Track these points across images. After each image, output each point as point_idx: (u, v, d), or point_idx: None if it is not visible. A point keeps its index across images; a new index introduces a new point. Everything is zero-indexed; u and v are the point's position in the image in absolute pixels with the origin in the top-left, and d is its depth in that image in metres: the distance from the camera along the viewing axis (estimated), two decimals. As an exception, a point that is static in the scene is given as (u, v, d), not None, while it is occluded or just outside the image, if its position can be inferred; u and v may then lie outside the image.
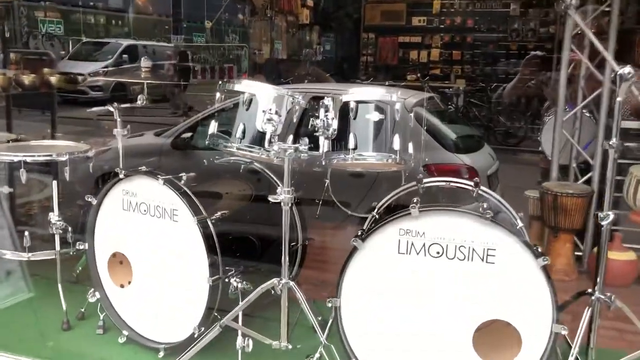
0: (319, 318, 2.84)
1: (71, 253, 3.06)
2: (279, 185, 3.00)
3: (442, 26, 10.52)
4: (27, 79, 3.91)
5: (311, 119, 2.59)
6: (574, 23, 3.90)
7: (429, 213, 2.19)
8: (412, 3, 10.53)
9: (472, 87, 9.68)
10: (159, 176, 2.57)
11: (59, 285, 3.01)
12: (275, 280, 2.46)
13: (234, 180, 3.08)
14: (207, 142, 2.69)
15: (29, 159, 2.90)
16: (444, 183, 2.77)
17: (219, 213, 2.61)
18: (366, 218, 4.79)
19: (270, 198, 2.41)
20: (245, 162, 3.04)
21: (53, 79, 4.05)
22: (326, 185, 4.28)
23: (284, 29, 8.77)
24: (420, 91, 6.95)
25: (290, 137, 2.52)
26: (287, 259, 2.46)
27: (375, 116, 2.42)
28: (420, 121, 2.45)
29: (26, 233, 2.99)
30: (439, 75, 10.49)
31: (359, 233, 2.36)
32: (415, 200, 2.26)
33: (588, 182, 4.09)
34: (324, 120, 2.43)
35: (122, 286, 2.87)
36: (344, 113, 2.45)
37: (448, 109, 7.43)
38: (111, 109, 3.11)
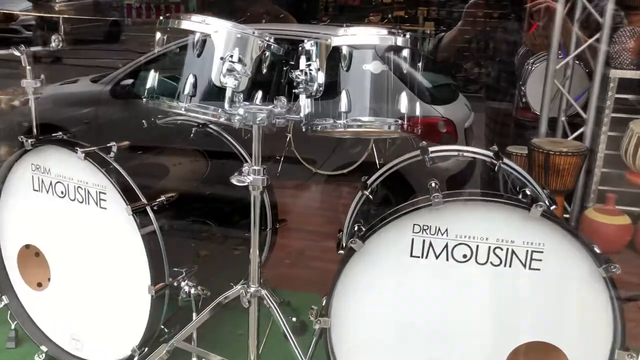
0: (294, 319, 2.28)
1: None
2: (243, 159, 2.37)
3: (408, -37, 9.71)
4: None
5: (288, 69, 1.96)
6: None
7: (455, 204, 1.59)
8: (376, -64, 9.66)
9: (440, 30, 9.00)
10: (77, 148, 1.86)
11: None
12: (241, 289, 1.85)
13: (183, 148, 2.39)
14: (144, 99, 2.01)
15: None
16: (455, 153, 2.17)
17: (163, 197, 1.94)
18: (333, 176, 4.21)
19: (234, 180, 1.76)
20: (197, 123, 2.36)
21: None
22: (288, 139, 3.67)
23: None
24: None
25: (259, 95, 1.86)
26: (257, 262, 1.84)
27: (376, 67, 1.78)
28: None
29: None
30: (405, 17, 9.75)
31: (356, 228, 1.75)
32: (434, 185, 1.66)
33: (579, 138, 3.64)
34: (306, 72, 1.78)
35: (39, 285, 2.20)
36: (332, 62, 1.80)
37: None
38: (16, 52, 2.34)
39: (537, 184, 2.11)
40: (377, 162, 2.69)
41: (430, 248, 1.63)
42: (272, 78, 2.00)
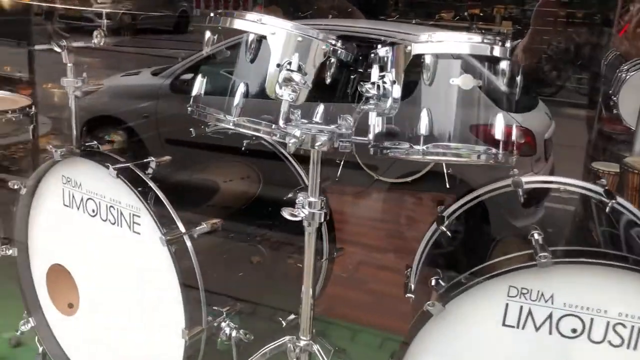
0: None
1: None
2: (300, 177, 2.07)
3: (485, -42, 9.15)
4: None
5: (355, 78, 1.66)
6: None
7: (566, 266, 1.23)
8: None
9: (518, 30, 8.42)
10: (108, 164, 1.60)
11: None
12: (288, 342, 1.55)
13: (234, 162, 2.11)
14: (189, 109, 1.74)
15: None
16: (554, 185, 1.79)
17: (205, 224, 1.65)
18: (396, 184, 3.86)
19: (286, 214, 1.46)
20: (251, 135, 2.07)
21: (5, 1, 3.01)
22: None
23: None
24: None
25: (320, 110, 1.56)
26: (310, 311, 1.53)
27: (466, 81, 1.43)
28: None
29: None
30: (480, 16, 9.19)
31: (434, 282, 1.41)
32: (537, 237, 1.30)
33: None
34: (379, 85, 1.45)
35: (70, 306, 1.98)
36: (411, 73, 1.47)
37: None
38: (57, 49, 2.12)
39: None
40: (446, 171, 2.35)
41: (529, 317, 1.28)
42: (335, 89, 1.68)
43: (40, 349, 2.04)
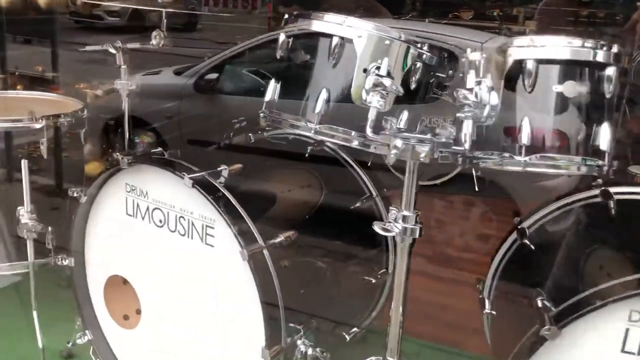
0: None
1: (52, 264, 2.07)
2: (367, 189, 1.99)
3: (505, -45, 9.02)
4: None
5: (433, 83, 1.58)
6: None
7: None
8: None
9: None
10: (184, 173, 1.52)
11: (34, 313, 2.04)
12: (375, 362, 1.47)
13: (294, 169, 2.03)
14: (262, 116, 1.66)
15: (-17, 127, 1.87)
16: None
17: (281, 236, 1.57)
18: (425, 186, 3.77)
19: (378, 228, 1.37)
20: (314, 140, 1.99)
21: (41, 1, 2.94)
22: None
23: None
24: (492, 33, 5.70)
25: (404, 116, 1.47)
26: (399, 328, 1.45)
27: (570, 88, 1.35)
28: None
29: (-16, 237, 2.01)
30: (500, 15, 9.07)
31: (544, 305, 1.32)
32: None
33: None
34: (476, 94, 1.37)
35: (125, 318, 1.91)
36: (509, 79, 1.40)
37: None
38: (112, 50, 2.05)
39: None
40: (475, 174, 2.26)
41: (652, 343, 1.19)
42: (416, 94, 1.59)
43: (96, 361, 1.97)
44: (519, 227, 1.77)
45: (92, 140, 3.97)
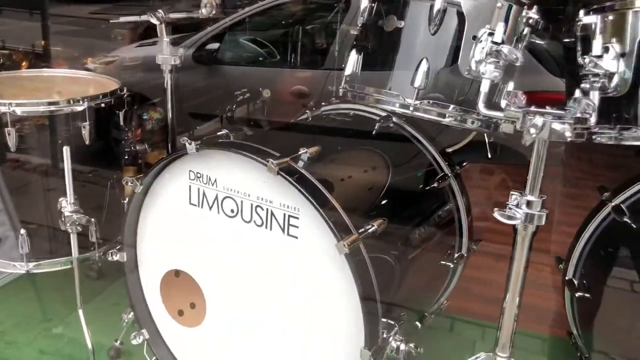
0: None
1: (96, 258, 1.90)
2: (439, 167, 1.85)
3: None
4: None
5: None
6: None
7: None
8: None
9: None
10: (270, 159, 1.36)
11: (80, 312, 1.87)
12: (485, 358, 1.35)
13: (360, 149, 1.86)
14: (342, 90, 1.51)
15: (19, 111, 1.67)
16: None
17: (374, 225, 1.42)
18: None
19: (498, 215, 1.23)
20: (380, 116, 1.83)
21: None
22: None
23: None
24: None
25: (510, 86, 1.34)
26: (514, 323, 1.33)
27: None
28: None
29: (22, 231, 1.81)
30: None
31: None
32: None
33: None
34: (606, 61, 1.23)
35: (180, 313, 1.75)
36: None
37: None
38: (154, 20, 1.84)
39: None
40: (487, 141, 2.14)
41: None
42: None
43: (152, 361, 1.82)
44: (612, 204, 1.65)
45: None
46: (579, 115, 1.17)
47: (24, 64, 2.86)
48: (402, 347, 1.47)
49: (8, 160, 1.73)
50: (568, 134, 1.11)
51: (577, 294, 1.65)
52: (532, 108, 1.16)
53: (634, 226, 1.60)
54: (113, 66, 4.36)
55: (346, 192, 1.60)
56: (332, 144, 1.72)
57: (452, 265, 1.81)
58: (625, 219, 1.60)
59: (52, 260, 1.86)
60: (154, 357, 1.82)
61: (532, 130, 1.11)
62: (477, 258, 3.02)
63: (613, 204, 1.64)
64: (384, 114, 1.81)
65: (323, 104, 1.99)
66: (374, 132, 1.81)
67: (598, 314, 1.66)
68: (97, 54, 4.44)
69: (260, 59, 4.38)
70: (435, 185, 1.77)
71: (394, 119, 1.85)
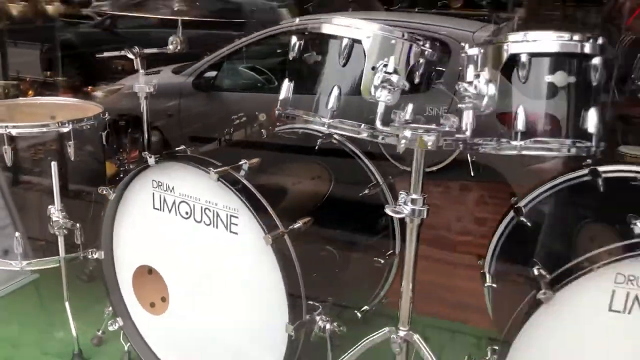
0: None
1: (81, 258, 2.22)
2: (373, 174, 2.14)
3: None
4: (15, 8, 2.94)
5: (434, 76, 1.72)
6: None
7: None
8: None
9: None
10: (210, 168, 1.67)
11: (67, 304, 2.18)
12: (389, 333, 1.62)
13: (305, 162, 2.17)
14: (277, 112, 1.80)
15: (14, 131, 2.00)
16: (631, 174, 1.86)
17: (300, 222, 1.72)
18: (426, 173, 3.93)
19: (389, 210, 1.52)
20: (322, 133, 2.13)
21: (50, 9, 3.07)
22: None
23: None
24: (482, 22, 5.82)
25: (410, 108, 1.62)
26: (409, 302, 1.61)
27: (561, 79, 1.50)
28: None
29: (17, 234, 2.14)
30: (488, 2, 9.20)
31: (537, 273, 1.47)
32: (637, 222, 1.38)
33: None
34: (475, 86, 1.51)
35: (152, 305, 2.05)
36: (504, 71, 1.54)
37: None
38: (130, 55, 2.18)
39: None
40: (470, 159, 2.40)
41: (636, 302, 1.35)
42: (419, 88, 1.73)
43: (126, 346, 2.11)
44: (515, 206, 1.93)
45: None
46: (447, 129, 1.46)
47: (30, 92, 3.21)
48: (328, 326, 1.75)
49: (6, 174, 2.06)
50: (432, 144, 1.40)
51: (486, 284, 1.92)
52: (409, 124, 1.45)
53: (529, 224, 1.87)
54: (118, 94, 4.71)
55: (283, 196, 1.90)
56: (277, 156, 2.03)
57: (382, 262, 2.09)
58: (522, 218, 1.87)
59: (43, 259, 2.17)
60: (128, 343, 2.11)
61: (403, 141, 1.40)
62: (450, 267, 3.29)
63: (515, 206, 1.92)
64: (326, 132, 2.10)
65: (278, 124, 2.30)
66: (316, 147, 2.11)
67: (503, 303, 1.92)
68: (101, 83, 4.82)
69: (259, 85, 4.70)
70: (367, 192, 2.06)
71: (336, 137, 2.15)
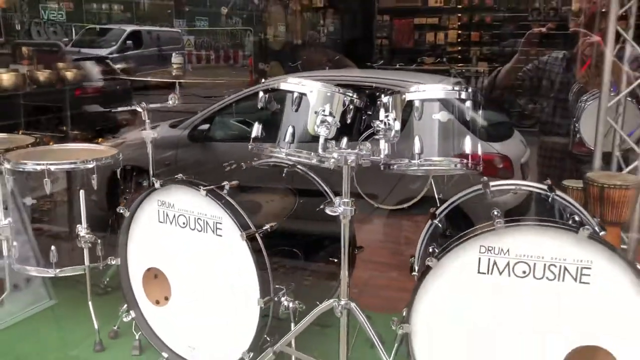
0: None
1: (101, 268, 2.82)
2: (326, 192, 2.78)
3: (459, 6, 10.12)
4: (42, 75, 3.64)
5: (368, 119, 2.36)
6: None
7: (515, 228, 1.93)
8: (428, -17, 10.13)
9: (492, 68, 9.38)
10: (200, 186, 2.31)
11: (90, 303, 2.77)
12: (333, 302, 2.22)
13: (274, 186, 2.81)
14: (250, 147, 2.44)
15: (53, 168, 2.65)
16: (513, 187, 2.51)
17: (267, 226, 2.35)
18: (395, 210, 4.55)
19: (328, 210, 2.15)
20: (288, 164, 2.78)
21: (69, 74, 3.76)
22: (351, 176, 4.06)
23: (299, 12, 8.42)
24: (445, 76, 6.62)
25: (345, 140, 2.27)
26: (347, 277, 2.22)
27: (443, 116, 2.16)
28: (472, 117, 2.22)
29: (52, 247, 2.75)
30: (458, 58, 10.12)
31: (431, 250, 2.10)
32: (497, 213, 2.00)
33: (632, 171, 3.83)
34: (385, 122, 2.17)
35: (157, 302, 2.63)
36: (406, 112, 2.20)
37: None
38: (138, 109, 2.85)
39: (588, 212, 2.41)
40: (437, 197, 3.03)
41: (495, 266, 1.97)
42: (352, 126, 2.39)
43: (137, 335, 2.69)
44: (433, 213, 2.56)
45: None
46: (364, 152, 2.11)
47: (51, 142, 3.85)
48: (291, 305, 2.35)
49: (45, 199, 2.69)
50: (353, 163, 2.04)
51: (413, 274, 2.53)
52: (339, 148, 2.10)
53: (439, 225, 2.50)
54: (122, 146, 5.33)
55: (257, 208, 2.53)
56: (254, 180, 2.67)
57: (336, 260, 2.70)
58: (436, 221, 2.51)
59: (73, 267, 2.78)
60: (139, 332, 2.69)
61: (332, 160, 2.05)
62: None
63: (431, 211, 2.56)
64: (291, 163, 2.76)
65: (255, 158, 2.95)
66: (283, 174, 2.76)
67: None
68: (108, 135, 5.47)
69: (247, 135, 5.34)
70: (322, 206, 2.68)
71: (299, 166, 2.80)
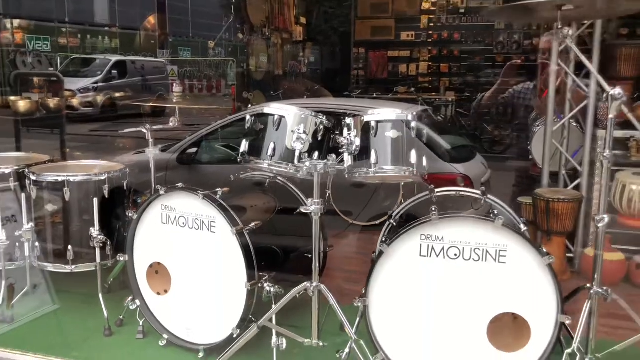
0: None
1: (109, 264, 3.30)
2: (301, 198, 3.31)
3: (429, 40, 10.88)
4: (52, 102, 4.15)
5: (336, 136, 2.89)
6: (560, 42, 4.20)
7: (448, 220, 2.47)
8: (401, 19, 10.88)
9: (460, 98, 10.10)
10: (198, 192, 2.82)
11: (100, 295, 3.24)
12: (307, 284, 2.73)
13: (258, 194, 3.34)
14: (239, 160, 2.95)
15: (72, 179, 3.15)
16: (453, 192, 3.06)
17: (253, 224, 2.87)
18: (367, 226, 5.06)
19: (302, 209, 2.68)
20: (269, 176, 3.31)
21: (75, 102, 4.27)
22: (327, 195, 4.57)
23: (280, 45, 9.07)
24: (414, 104, 7.29)
25: (316, 154, 2.80)
26: (317, 264, 2.73)
27: (394, 134, 2.71)
28: (418, 134, 2.76)
29: (69, 247, 3.23)
30: (429, 88, 10.84)
31: (384, 239, 2.63)
32: (434, 209, 2.55)
33: (577, 187, 4.39)
34: (347, 138, 2.72)
35: (158, 294, 3.12)
36: (365, 131, 2.75)
37: (439, 120, 7.80)
38: (144, 130, 3.37)
39: (538, 224, 2.97)
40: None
41: (433, 250, 2.51)
42: (323, 142, 2.94)
43: (142, 322, 3.16)
44: (389, 215, 3.10)
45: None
46: (330, 162, 2.65)
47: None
48: (272, 289, 2.85)
49: (65, 206, 3.18)
50: (321, 171, 2.58)
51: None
52: (311, 159, 2.64)
53: (394, 224, 3.04)
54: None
55: (244, 211, 3.05)
56: (241, 189, 3.20)
57: (309, 256, 3.22)
58: (391, 221, 3.05)
59: (85, 264, 3.25)
60: (143, 319, 3.16)
61: (304, 168, 2.59)
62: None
63: (389, 214, 3.10)
64: (272, 175, 3.29)
65: (241, 172, 3.47)
66: (266, 184, 3.29)
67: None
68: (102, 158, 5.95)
69: (232, 159, 5.76)
70: (300, 210, 3.22)
71: (279, 178, 3.33)
